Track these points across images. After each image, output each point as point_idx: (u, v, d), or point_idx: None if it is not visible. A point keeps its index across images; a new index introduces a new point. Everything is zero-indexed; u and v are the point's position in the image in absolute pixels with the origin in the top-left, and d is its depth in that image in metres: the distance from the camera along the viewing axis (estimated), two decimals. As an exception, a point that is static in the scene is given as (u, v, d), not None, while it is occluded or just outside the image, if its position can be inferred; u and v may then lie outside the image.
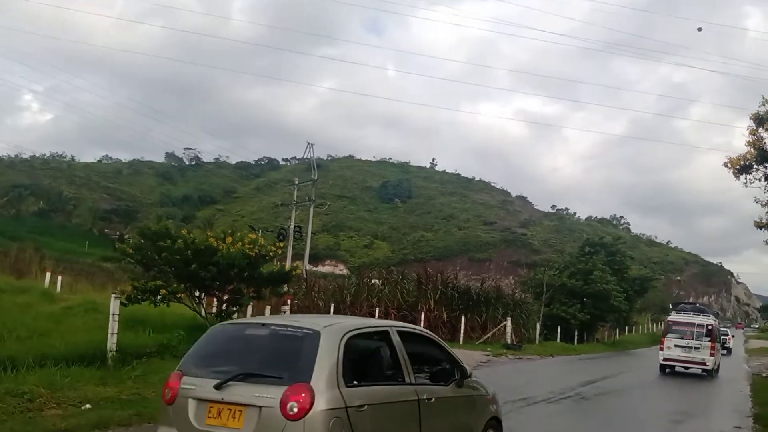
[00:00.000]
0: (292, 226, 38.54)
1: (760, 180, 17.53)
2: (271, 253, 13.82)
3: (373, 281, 30.54)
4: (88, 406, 8.04)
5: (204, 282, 12.86)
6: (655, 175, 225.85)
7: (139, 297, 12.06)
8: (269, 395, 4.36)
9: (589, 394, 14.14)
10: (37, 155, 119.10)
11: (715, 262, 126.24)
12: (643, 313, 62.24)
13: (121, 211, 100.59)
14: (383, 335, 5.31)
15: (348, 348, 4.68)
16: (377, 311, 25.97)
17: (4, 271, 21.78)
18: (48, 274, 21.12)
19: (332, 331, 4.77)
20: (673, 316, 22.47)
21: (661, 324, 61.10)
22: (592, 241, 48.97)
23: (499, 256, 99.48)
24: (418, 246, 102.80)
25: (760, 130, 17.30)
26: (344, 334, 4.78)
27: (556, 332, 33.99)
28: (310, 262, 43.04)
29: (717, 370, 21.56)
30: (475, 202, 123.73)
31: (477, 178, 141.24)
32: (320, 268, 79.92)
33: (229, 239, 13.00)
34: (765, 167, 17.31)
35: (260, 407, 4.36)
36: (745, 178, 17.63)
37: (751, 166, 17.51)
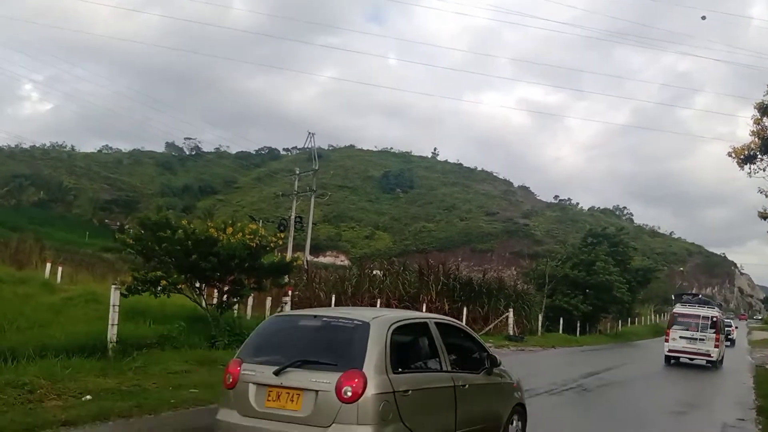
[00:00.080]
0: (293, 217, 38.46)
1: (764, 170, 17.46)
2: (272, 244, 13.73)
3: (374, 272, 30.48)
4: (88, 397, 8.03)
5: (204, 273, 12.79)
6: (659, 165, 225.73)
7: (140, 288, 12.00)
8: (325, 380, 4.82)
9: (591, 386, 14.10)
10: (38, 145, 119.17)
11: (718, 253, 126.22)
12: (645, 305, 62.16)
13: (122, 202, 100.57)
14: (423, 326, 5.81)
15: (393, 338, 5.14)
16: (379, 302, 25.93)
17: (4, 261, 21.74)
18: (48, 265, 21.07)
19: (380, 322, 5.23)
20: (679, 308, 22.84)
21: (663, 315, 61.23)
22: (594, 231, 48.78)
23: (501, 247, 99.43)
24: (420, 237, 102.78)
25: (765, 119, 17.19)
26: (390, 325, 5.25)
27: (559, 323, 33.95)
28: (311, 253, 43.01)
29: (721, 361, 21.89)
30: (477, 192, 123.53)
31: (479, 168, 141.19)
32: (321, 259, 79.99)
33: (229, 230, 12.91)
34: (770, 157, 17.19)
35: (317, 391, 4.82)
36: (750, 168, 17.58)
37: (755, 156, 17.42)
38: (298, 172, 41.64)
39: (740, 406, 12.55)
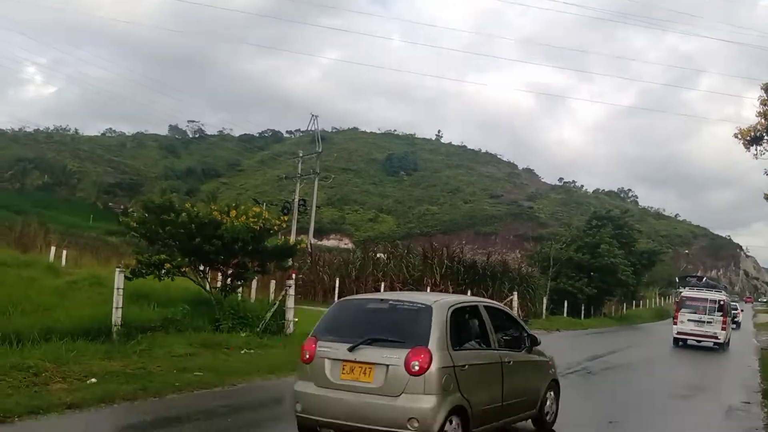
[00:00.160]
0: (296, 200, 38.32)
1: (771, 151, 17.21)
2: (275, 227, 13.69)
3: (378, 255, 30.53)
4: (93, 380, 8.06)
5: (208, 256, 12.77)
6: (664, 147, 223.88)
7: (144, 271, 11.99)
8: (395, 356, 5.46)
9: (596, 369, 14.10)
10: (41, 129, 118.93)
11: (723, 236, 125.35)
12: (650, 287, 62.12)
13: (125, 185, 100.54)
14: (474, 309, 6.51)
15: (452, 319, 5.82)
16: (383, 286, 25.97)
17: (9, 245, 21.80)
18: (53, 248, 21.14)
19: (440, 305, 5.90)
20: (687, 292, 23.55)
21: (668, 298, 61.21)
22: (599, 214, 48.54)
23: (506, 230, 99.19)
24: (424, 220, 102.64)
25: (771, 100, 16.91)
26: (449, 308, 5.91)
27: (563, 307, 33.96)
28: (314, 236, 43.01)
29: (728, 344, 22.38)
30: (482, 174, 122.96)
31: (483, 150, 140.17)
32: (325, 242, 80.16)
33: (233, 213, 12.87)
34: (776, 138, 16.98)
35: (387, 365, 5.47)
36: (756, 150, 17.43)
37: (761, 137, 17.22)
38: (301, 154, 41.44)
39: (746, 389, 12.52)
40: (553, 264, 35.05)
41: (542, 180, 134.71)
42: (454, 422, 5.54)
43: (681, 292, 24.37)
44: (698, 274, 65.91)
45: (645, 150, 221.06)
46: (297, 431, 6.07)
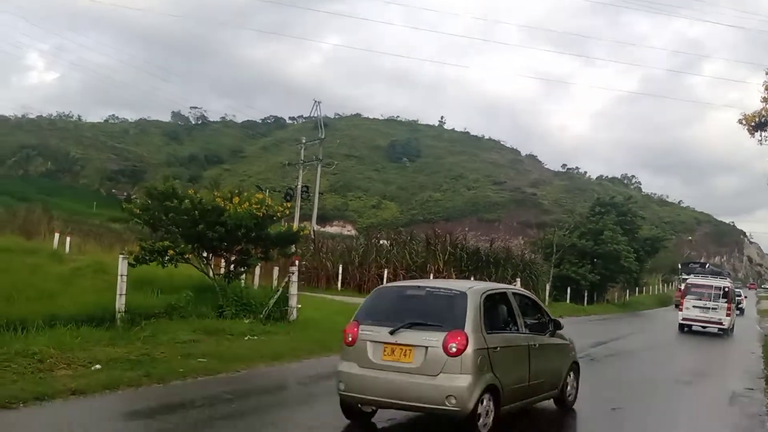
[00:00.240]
0: (299, 186, 38.31)
1: (775, 137, 17.06)
2: (278, 214, 13.63)
3: (381, 242, 30.54)
4: (98, 366, 8.08)
5: (212, 242, 12.75)
6: (667, 133, 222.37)
7: (147, 257, 11.97)
8: (434, 338, 5.92)
9: (599, 356, 14.10)
10: (44, 115, 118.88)
11: (727, 222, 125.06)
12: (653, 274, 62.02)
13: (128, 172, 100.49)
14: (504, 295, 6.98)
15: (485, 304, 6.29)
16: (386, 272, 25.99)
17: (13, 231, 21.81)
18: (56, 235, 21.15)
19: (474, 291, 6.39)
20: (692, 279, 24.38)
21: (671, 285, 61.15)
22: (602, 200, 48.30)
23: (509, 217, 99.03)
24: (427, 206, 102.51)
25: (776, 85, 16.72)
26: (482, 294, 6.40)
27: (566, 293, 33.96)
28: (317, 223, 43.04)
29: (732, 329, 22.83)
30: (485, 161, 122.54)
31: (486, 137, 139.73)
32: (328, 229, 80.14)
33: (236, 199, 12.81)
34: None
35: (426, 347, 5.92)
36: (760, 136, 17.33)
37: (766, 123, 17.07)
38: (304, 141, 41.31)
39: (749, 376, 12.53)
40: (556, 251, 34.97)
41: (545, 166, 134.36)
42: (486, 400, 6.01)
43: (683, 279, 24.76)
44: (701, 260, 65.84)
45: (649, 136, 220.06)
46: (302, 416, 6.26)
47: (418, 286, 6.91)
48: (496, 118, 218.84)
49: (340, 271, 27.55)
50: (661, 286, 62.50)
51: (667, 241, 59.09)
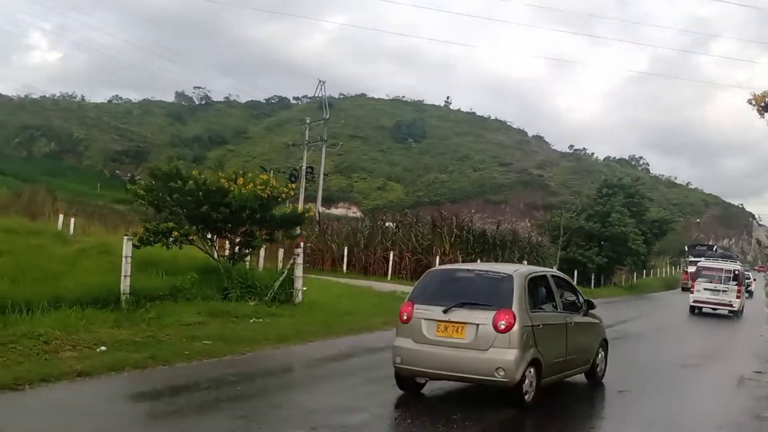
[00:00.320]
0: (304, 167, 38.17)
1: (785, 119, 16.73)
2: (283, 195, 13.53)
3: (387, 224, 30.40)
4: (103, 348, 8.08)
5: (216, 224, 12.67)
6: (676, 114, 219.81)
7: (152, 239, 11.90)
8: (484, 316, 6.59)
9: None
10: (47, 95, 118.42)
11: (736, 204, 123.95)
12: (661, 257, 61.76)
13: (132, 152, 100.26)
14: (544, 278, 7.67)
15: (529, 286, 6.99)
16: (392, 255, 25.91)
17: (17, 212, 21.78)
18: (61, 216, 21.09)
19: (519, 274, 7.07)
20: (703, 262, 25.21)
21: (678, 268, 60.93)
22: (610, 182, 47.97)
23: (516, 198, 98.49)
24: (433, 188, 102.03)
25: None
26: (527, 276, 7.10)
27: (573, 276, 33.75)
28: (322, 204, 42.97)
29: (742, 311, 23.24)
30: (491, 142, 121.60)
31: (493, 117, 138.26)
32: (333, 211, 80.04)
33: (240, 180, 12.70)
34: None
35: (477, 324, 6.59)
36: (770, 117, 16.90)
37: (776, 104, 16.68)
38: (308, 121, 41.08)
39: (757, 359, 12.47)
40: (564, 233, 34.79)
41: (552, 147, 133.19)
42: (531, 372, 6.67)
43: (689, 261, 25.12)
44: (708, 243, 65.45)
45: (657, 117, 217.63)
46: (308, 399, 6.36)
47: (468, 269, 7.62)
48: (503, 99, 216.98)
49: (346, 253, 27.49)
50: (668, 268, 62.24)
51: (675, 223, 58.83)
